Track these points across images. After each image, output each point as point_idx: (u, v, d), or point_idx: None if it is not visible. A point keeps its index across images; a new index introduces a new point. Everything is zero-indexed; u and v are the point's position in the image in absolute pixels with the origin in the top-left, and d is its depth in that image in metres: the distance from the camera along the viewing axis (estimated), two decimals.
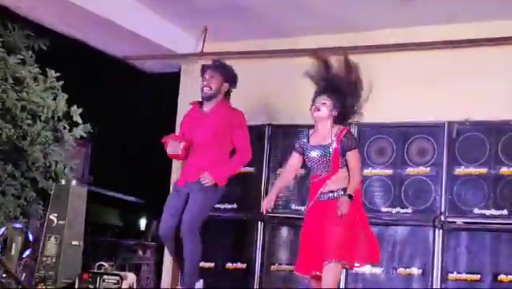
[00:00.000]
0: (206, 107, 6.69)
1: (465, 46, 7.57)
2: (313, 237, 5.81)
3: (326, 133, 5.96)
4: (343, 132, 5.92)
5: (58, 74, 8.52)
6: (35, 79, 8.40)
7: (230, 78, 6.77)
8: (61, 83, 8.55)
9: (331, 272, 5.63)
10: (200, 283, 6.41)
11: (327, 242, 5.66)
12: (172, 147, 6.54)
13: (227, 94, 6.78)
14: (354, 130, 7.43)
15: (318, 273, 5.73)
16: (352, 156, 5.90)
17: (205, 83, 6.68)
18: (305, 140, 6.05)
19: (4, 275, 4.94)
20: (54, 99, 8.51)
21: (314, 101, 6.07)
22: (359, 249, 5.76)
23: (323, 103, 5.99)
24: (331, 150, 5.87)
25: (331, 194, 5.84)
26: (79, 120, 8.62)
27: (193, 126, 6.64)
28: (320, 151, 5.92)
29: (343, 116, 6.02)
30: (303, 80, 8.38)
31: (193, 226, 6.38)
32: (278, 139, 7.81)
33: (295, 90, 8.28)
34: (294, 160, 6.14)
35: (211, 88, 6.65)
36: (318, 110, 5.99)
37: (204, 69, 6.78)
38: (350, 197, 5.72)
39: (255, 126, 7.86)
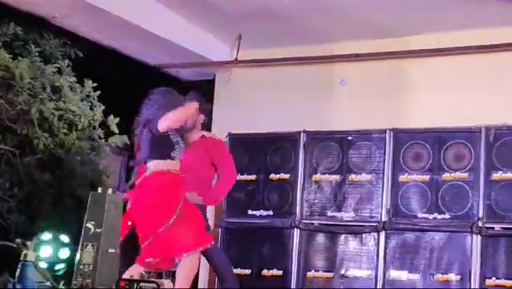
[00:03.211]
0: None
1: (501, 51, 7.51)
2: None
3: None
4: None
5: (95, 84, 8.58)
6: (72, 89, 8.46)
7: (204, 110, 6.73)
8: (98, 93, 8.60)
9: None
10: None
11: None
12: None
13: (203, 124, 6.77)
14: (390, 135, 7.41)
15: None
16: None
17: None
18: None
19: (43, 283, 4.97)
20: (91, 108, 8.56)
21: None
22: None
23: None
24: None
25: None
26: (116, 130, 8.66)
27: None
28: None
29: None
30: (339, 87, 8.42)
31: None
32: (314, 145, 7.78)
33: (330, 96, 8.30)
34: None
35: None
36: None
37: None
38: None
39: (290, 133, 7.86)
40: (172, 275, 8.14)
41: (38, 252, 5.77)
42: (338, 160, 7.63)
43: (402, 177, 7.35)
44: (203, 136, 6.65)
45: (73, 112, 8.26)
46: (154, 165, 5.75)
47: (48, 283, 5.44)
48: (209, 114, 8.55)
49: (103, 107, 8.59)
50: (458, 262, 7.02)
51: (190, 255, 5.62)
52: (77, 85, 8.59)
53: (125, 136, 8.86)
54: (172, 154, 5.81)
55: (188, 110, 5.96)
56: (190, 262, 5.67)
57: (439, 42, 7.76)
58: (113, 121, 8.57)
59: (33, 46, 8.19)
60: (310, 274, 7.52)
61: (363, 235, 7.39)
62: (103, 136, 8.69)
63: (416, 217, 7.25)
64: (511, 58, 7.51)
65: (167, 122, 5.72)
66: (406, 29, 7.79)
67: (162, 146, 5.81)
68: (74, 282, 5.15)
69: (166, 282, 5.31)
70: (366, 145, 7.55)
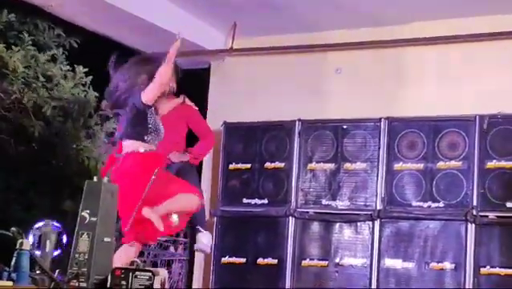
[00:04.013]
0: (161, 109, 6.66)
1: (496, 39, 7.53)
2: None
3: None
4: None
5: (86, 69, 8.55)
6: (65, 77, 8.45)
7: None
8: (90, 78, 8.58)
9: None
10: None
11: None
12: None
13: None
14: (385, 124, 7.42)
15: None
16: None
17: None
18: None
19: (38, 272, 4.98)
20: (85, 95, 8.55)
21: None
22: None
23: None
24: None
25: None
26: (110, 114, 8.64)
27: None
28: None
29: None
30: (334, 75, 8.41)
31: None
32: (309, 134, 7.78)
33: (325, 85, 8.31)
34: None
35: None
36: None
37: None
38: None
39: (285, 121, 7.87)
40: (168, 264, 8.18)
41: (34, 241, 5.77)
42: (333, 149, 7.63)
43: (397, 166, 7.36)
44: (183, 102, 6.89)
45: (66, 100, 8.25)
46: (130, 146, 5.84)
47: (38, 272, 5.45)
48: (203, 102, 8.61)
49: (95, 94, 8.57)
50: (453, 250, 7.04)
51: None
52: (70, 73, 8.57)
53: None
54: (145, 138, 5.85)
55: (165, 74, 6.00)
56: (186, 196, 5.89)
57: (434, 31, 7.76)
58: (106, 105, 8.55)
59: (27, 35, 8.17)
60: (305, 262, 7.53)
61: (358, 224, 7.41)
62: (98, 122, 8.69)
63: (410, 205, 7.26)
64: (505, 46, 7.53)
65: (152, 93, 5.83)
66: (401, 17, 7.79)
67: (138, 127, 5.86)
68: (69, 270, 5.17)
69: (161, 271, 5.33)
70: (361, 134, 7.56)
